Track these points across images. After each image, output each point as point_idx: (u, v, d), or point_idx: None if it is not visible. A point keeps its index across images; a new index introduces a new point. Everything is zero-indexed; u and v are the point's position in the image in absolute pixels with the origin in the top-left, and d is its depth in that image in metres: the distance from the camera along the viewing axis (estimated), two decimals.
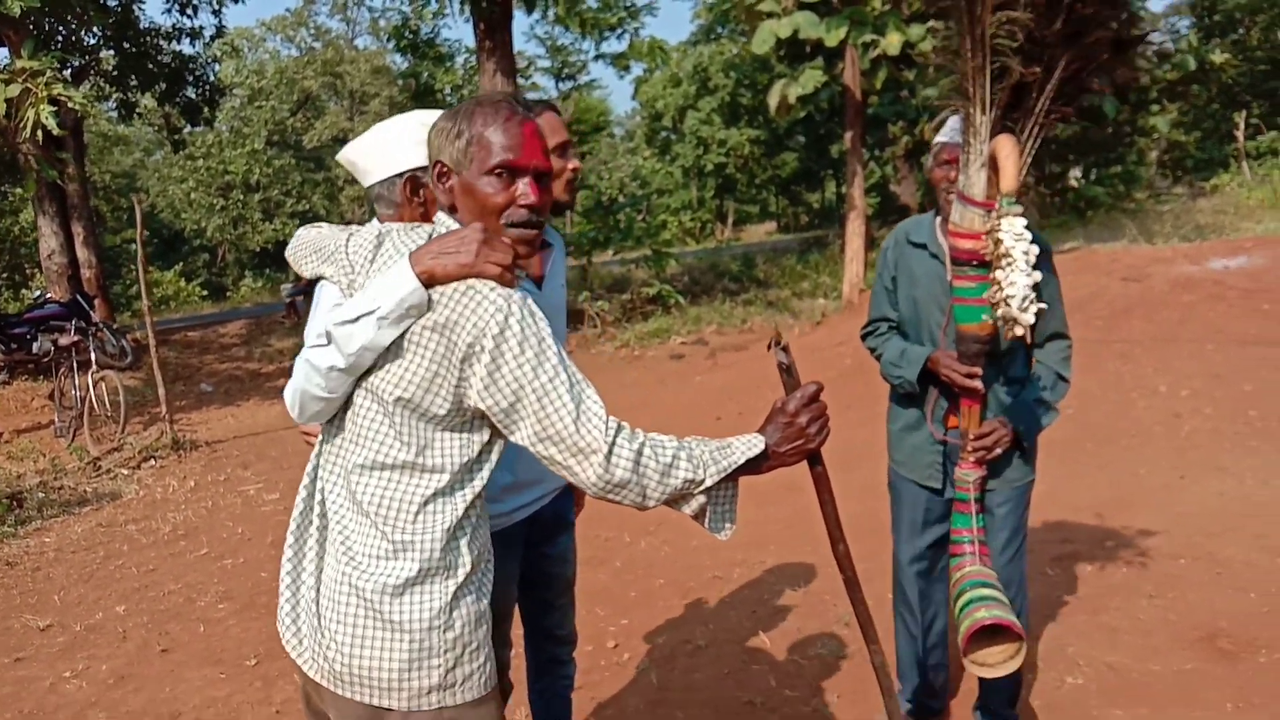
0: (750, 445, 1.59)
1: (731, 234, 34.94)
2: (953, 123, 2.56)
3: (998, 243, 2.08)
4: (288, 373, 1.90)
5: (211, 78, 18.30)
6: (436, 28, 22.67)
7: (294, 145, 36.95)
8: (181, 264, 35.49)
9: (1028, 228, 2.09)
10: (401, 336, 1.50)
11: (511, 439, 1.55)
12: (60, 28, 10.82)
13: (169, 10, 16.37)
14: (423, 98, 27.89)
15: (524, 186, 1.58)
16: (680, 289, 13.91)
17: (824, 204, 35.82)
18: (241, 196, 34.73)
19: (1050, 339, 2.71)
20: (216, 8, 17.59)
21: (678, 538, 5.15)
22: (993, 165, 2.16)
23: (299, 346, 2.47)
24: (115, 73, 15.81)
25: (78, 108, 7.48)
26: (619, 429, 1.52)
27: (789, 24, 10.99)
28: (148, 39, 16.06)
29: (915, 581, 2.95)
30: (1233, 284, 8.97)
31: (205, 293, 31.77)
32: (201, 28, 17.31)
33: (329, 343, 1.54)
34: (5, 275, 24.45)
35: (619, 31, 21.53)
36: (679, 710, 3.36)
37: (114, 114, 19.48)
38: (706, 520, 1.63)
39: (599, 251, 13.71)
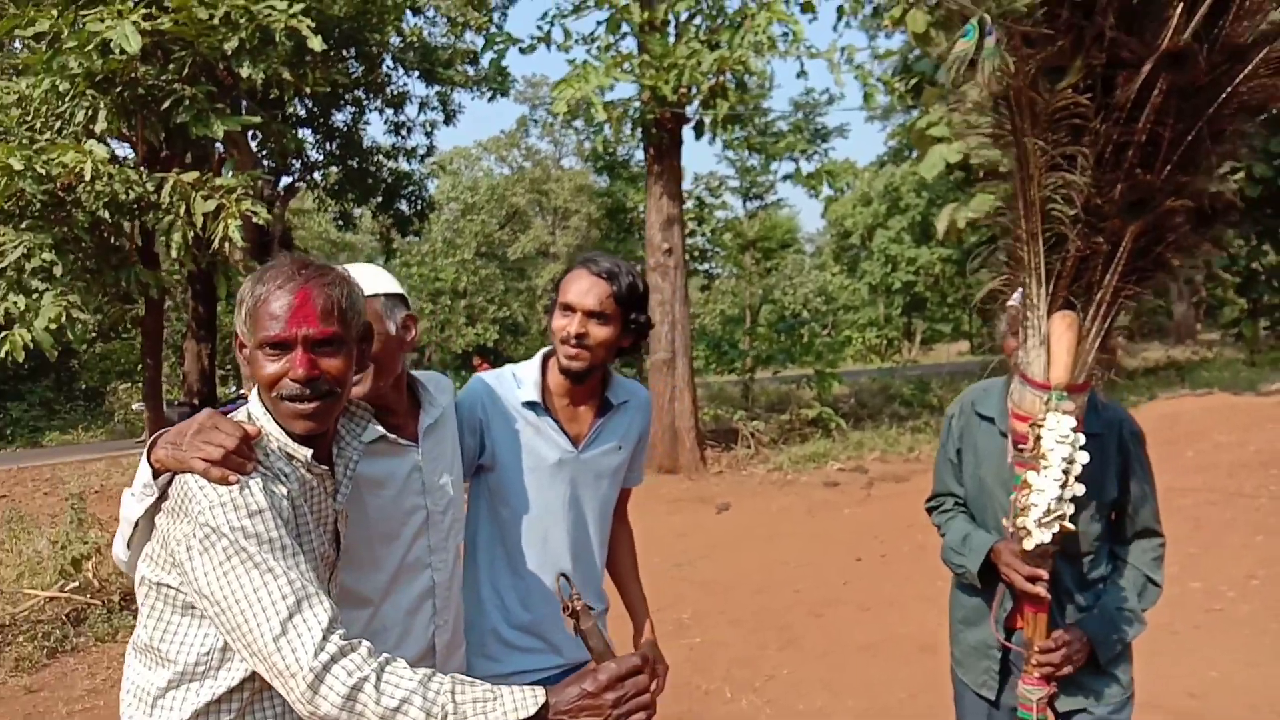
0: (520, 704, 1.36)
1: (919, 352, 33.91)
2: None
3: (1037, 440, 1.79)
4: None
5: (424, 194, 19.81)
6: (631, 150, 23.56)
7: (499, 256, 39.24)
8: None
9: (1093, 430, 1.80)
10: (153, 513, 1.48)
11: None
12: (270, 144, 12.03)
13: (390, 131, 18.00)
14: (615, 215, 29.13)
15: (293, 360, 1.48)
16: (845, 412, 13.47)
17: None
18: (449, 302, 37.02)
19: (1139, 535, 2.33)
20: (429, 130, 19.21)
21: (783, 697, 4.78)
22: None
23: None
24: (337, 186, 17.38)
25: (264, 223, 8.21)
26: (340, 655, 1.33)
27: (959, 148, 10.70)
28: (369, 156, 17.63)
29: None
30: None
31: None
32: (416, 147, 18.90)
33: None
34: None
35: (808, 153, 21.73)
36: None
37: (338, 223, 21.45)
38: None
39: (761, 368, 13.52)
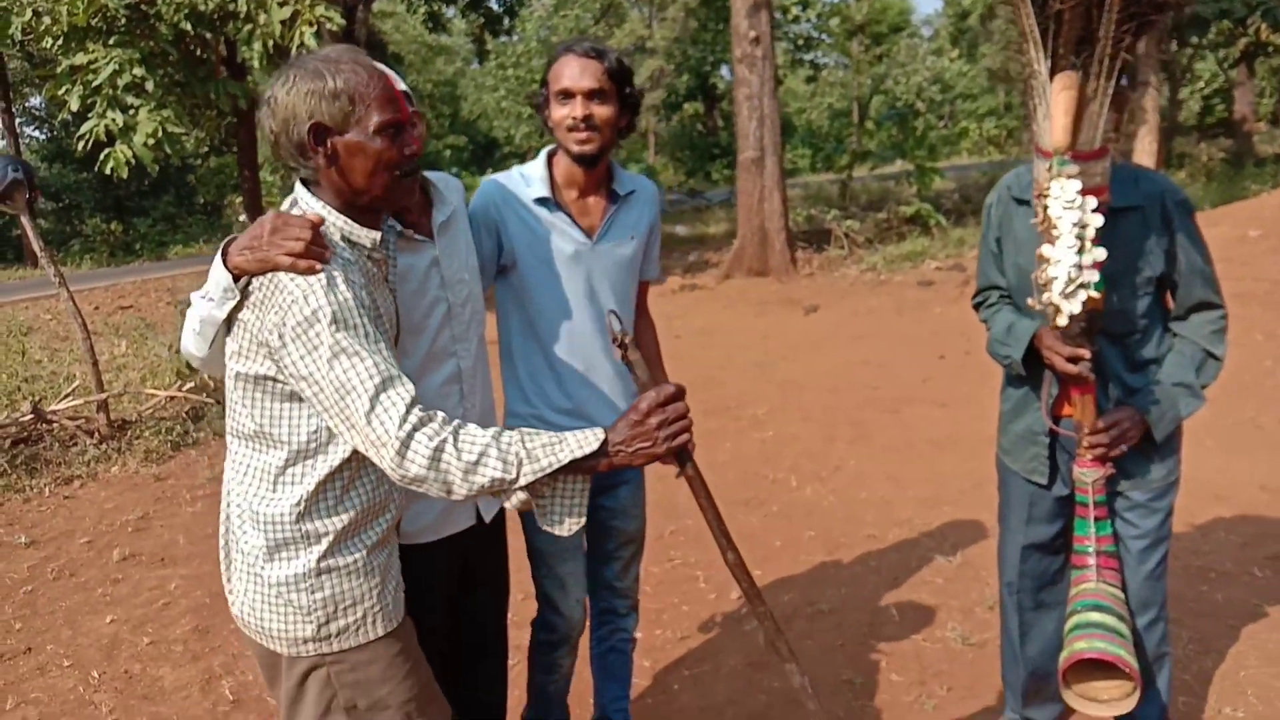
0: (583, 443, 1.51)
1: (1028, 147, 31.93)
2: None
3: (1044, 210, 1.72)
4: None
5: None
6: None
7: None
8: (492, 169, 38.22)
9: (1094, 191, 1.70)
10: (236, 312, 1.55)
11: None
12: None
13: None
14: (711, 2, 27.64)
15: (407, 138, 1.61)
16: (947, 208, 12.93)
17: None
18: None
19: (1194, 309, 2.22)
20: None
21: (847, 487, 4.90)
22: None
23: None
24: None
25: (335, 28, 8.11)
26: (421, 424, 1.47)
27: None
28: None
29: (1022, 582, 2.59)
30: None
31: None
32: None
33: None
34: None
35: None
36: (775, 679, 3.22)
37: (428, 25, 21.02)
38: (536, 514, 1.56)
39: (862, 165, 12.99)
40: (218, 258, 1.54)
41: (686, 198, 25.54)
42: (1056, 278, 1.75)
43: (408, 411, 1.46)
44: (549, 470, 1.49)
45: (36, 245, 5.97)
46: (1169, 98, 23.39)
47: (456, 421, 1.51)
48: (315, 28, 7.99)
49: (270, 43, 8.48)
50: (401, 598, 1.76)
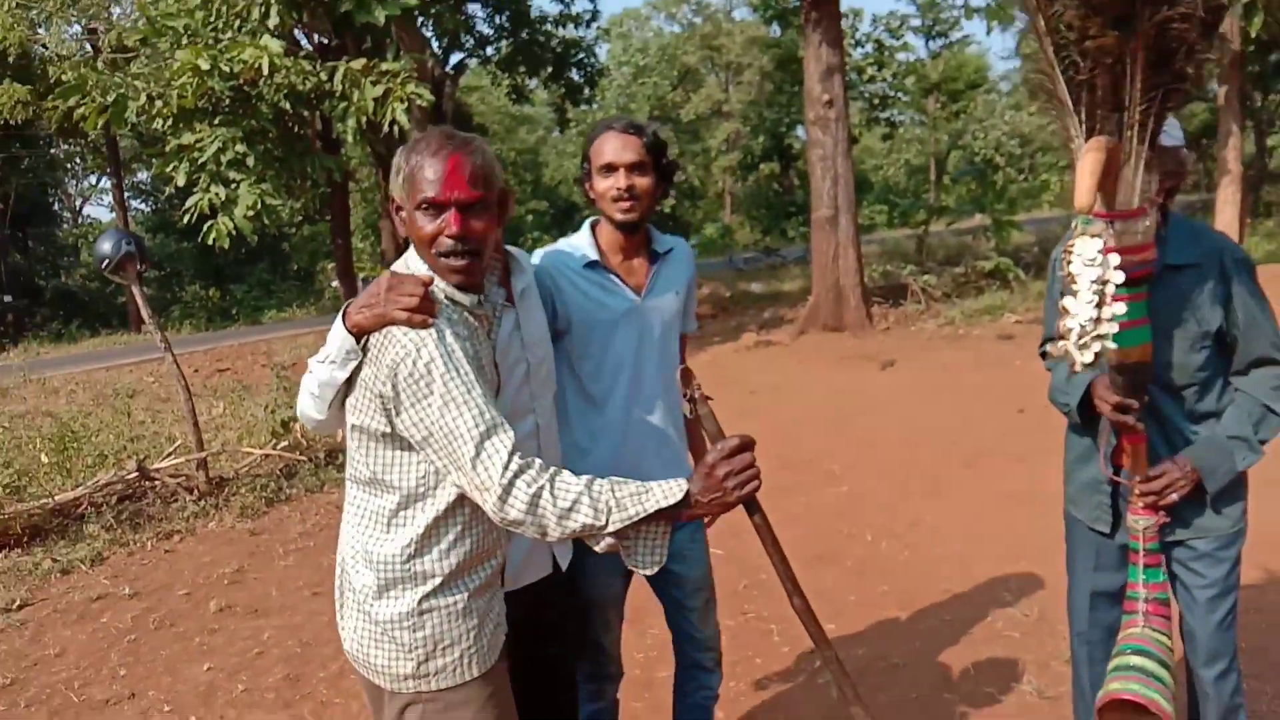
0: (668, 494, 1.61)
1: None
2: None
3: (1068, 265, 1.86)
4: None
5: (593, 60, 19.78)
6: None
7: (673, 119, 38.74)
8: (572, 231, 38.87)
9: (1137, 249, 1.78)
10: (357, 372, 1.68)
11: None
12: (447, 24, 12.26)
13: None
14: (786, 65, 28.03)
15: (447, 219, 1.70)
16: (1026, 262, 12.79)
17: (1244, 161, 30.83)
18: None
19: (1255, 364, 2.24)
20: None
21: (923, 542, 4.88)
22: (1105, 173, 1.86)
23: None
24: (507, 60, 17.61)
25: (425, 104, 8.53)
26: (521, 470, 1.59)
27: None
28: (537, 27, 17.74)
29: (1092, 632, 2.59)
30: None
31: None
32: (580, 13, 18.77)
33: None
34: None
35: None
36: None
37: (512, 97, 21.76)
38: (622, 555, 1.66)
39: (935, 221, 12.96)
40: (338, 320, 1.68)
41: (762, 255, 25.69)
42: (1072, 329, 1.86)
43: (510, 458, 1.59)
44: (636, 519, 1.60)
45: (145, 313, 6.37)
46: (1256, 147, 22.79)
47: (552, 469, 1.63)
48: (406, 104, 8.42)
49: (363, 119, 8.95)
50: (499, 641, 1.86)
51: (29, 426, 9.11)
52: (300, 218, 25.70)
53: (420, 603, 1.73)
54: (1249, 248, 11.54)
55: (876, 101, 32.55)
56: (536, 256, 2.46)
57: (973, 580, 4.32)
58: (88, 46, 19.88)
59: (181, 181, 9.39)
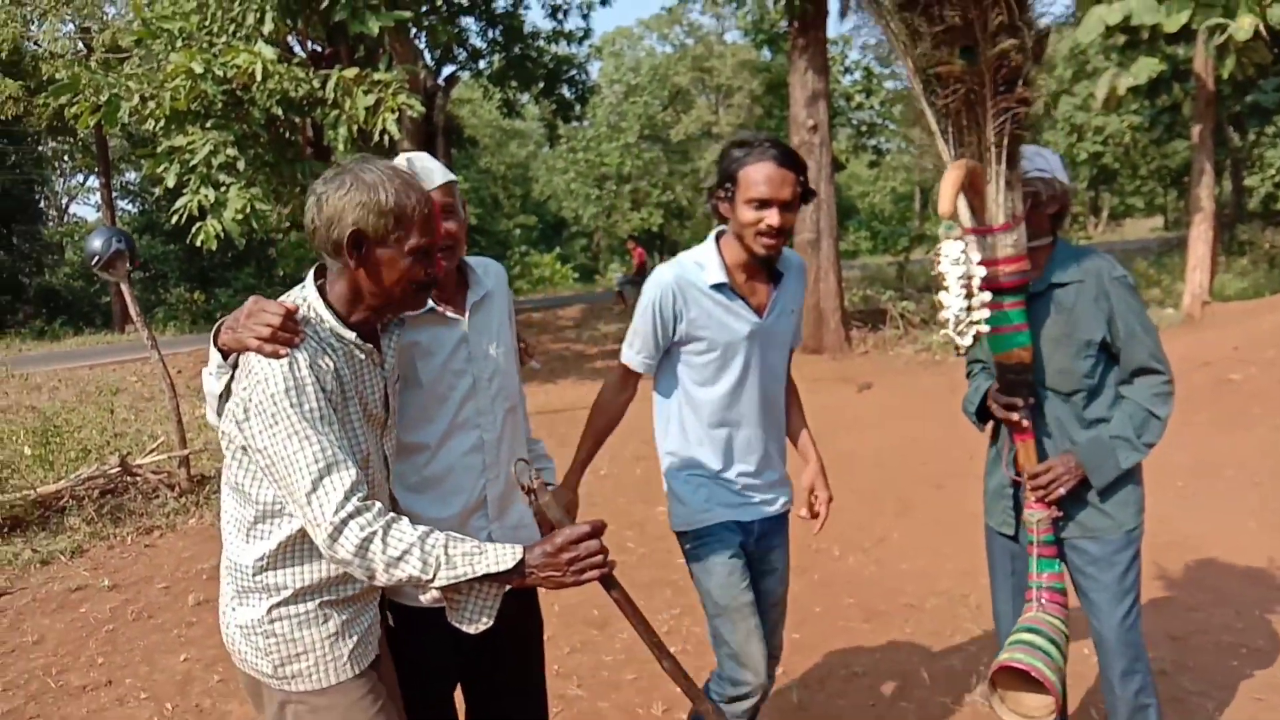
0: (500, 559, 1.64)
1: (1107, 228, 31.79)
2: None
3: (937, 265, 2.15)
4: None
5: (585, 78, 19.94)
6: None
7: (663, 139, 39.03)
8: (560, 248, 39.15)
9: (1011, 260, 2.18)
10: (231, 382, 1.73)
11: None
12: (440, 36, 12.41)
13: (549, 15, 18.15)
14: (777, 89, 28.36)
15: (435, 260, 1.80)
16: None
17: (1220, 199, 31.42)
18: (615, 187, 37.31)
19: (1137, 373, 2.43)
20: (585, 11, 19.20)
21: (890, 558, 5.01)
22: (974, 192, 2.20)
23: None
24: (499, 74, 17.77)
25: (416, 114, 8.68)
26: (356, 513, 1.60)
27: (1120, 9, 9.76)
28: (530, 42, 17.91)
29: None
30: None
31: (578, 275, 34.68)
32: (574, 30, 18.96)
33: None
34: None
35: None
36: None
37: (503, 111, 21.92)
38: (447, 610, 1.73)
39: (917, 248, 13.19)
40: (212, 335, 1.74)
41: None
42: (949, 320, 2.13)
43: (345, 499, 1.60)
44: (462, 579, 1.63)
45: (133, 310, 6.44)
46: (1233, 185, 23.20)
47: (390, 515, 1.64)
48: (397, 114, 8.56)
49: (354, 127, 9.08)
50: (368, 651, 1.86)
51: (11, 420, 9.14)
52: (288, 223, 25.66)
53: (270, 611, 1.76)
54: (1220, 285, 11.80)
55: (864, 129, 32.97)
56: (664, 270, 2.46)
57: (935, 595, 4.45)
58: (80, 45, 19.93)
59: (172, 183, 9.47)
